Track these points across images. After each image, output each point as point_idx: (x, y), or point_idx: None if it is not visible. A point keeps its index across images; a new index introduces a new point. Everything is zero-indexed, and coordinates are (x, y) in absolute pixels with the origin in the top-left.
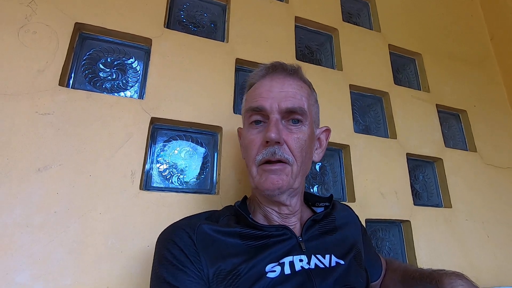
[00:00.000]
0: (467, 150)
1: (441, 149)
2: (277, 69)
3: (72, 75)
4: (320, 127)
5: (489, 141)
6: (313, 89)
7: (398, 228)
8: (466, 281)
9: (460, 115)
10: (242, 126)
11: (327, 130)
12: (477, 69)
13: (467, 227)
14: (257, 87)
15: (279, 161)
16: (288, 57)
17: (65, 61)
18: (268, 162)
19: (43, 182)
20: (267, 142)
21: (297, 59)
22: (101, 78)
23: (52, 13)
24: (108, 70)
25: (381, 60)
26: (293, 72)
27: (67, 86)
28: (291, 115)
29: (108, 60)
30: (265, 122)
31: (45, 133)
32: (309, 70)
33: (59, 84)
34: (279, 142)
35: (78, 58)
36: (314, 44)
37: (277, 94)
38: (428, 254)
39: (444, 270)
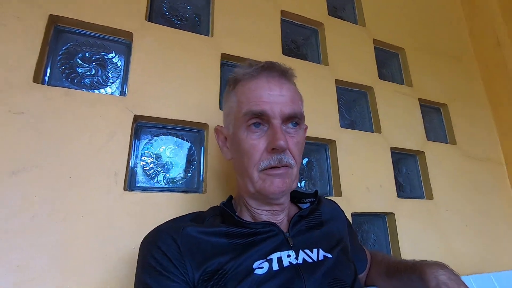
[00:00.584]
0: (447, 143)
1: (424, 142)
2: (273, 69)
3: (48, 71)
4: None
5: (468, 134)
6: None
7: (382, 221)
8: (447, 270)
9: (441, 108)
10: (222, 125)
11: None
12: (457, 64)
13: (447, 217)
14: (254, 88)
15: (283, 166)
16: (275, 52)
17: (39, 56)
18: (274, 167)
19: (19, 185)
20: (273, 149)
21: (283, 54)
22: (80, 74)
23: (23, 4)
24: (87, 65)
25: (366, 54)
26: (286, 74)
27: (43, 83)
28: (290, 120)
29: (87, 54)
30: (264, 125)
31: (19, 133)
32: (296, 65)
33: (34, 81)
34: (285, 149)
35: (54, 53)
36: (300, 39)
37: (277, 99)
38: (411, 245)
39: (426, 260)
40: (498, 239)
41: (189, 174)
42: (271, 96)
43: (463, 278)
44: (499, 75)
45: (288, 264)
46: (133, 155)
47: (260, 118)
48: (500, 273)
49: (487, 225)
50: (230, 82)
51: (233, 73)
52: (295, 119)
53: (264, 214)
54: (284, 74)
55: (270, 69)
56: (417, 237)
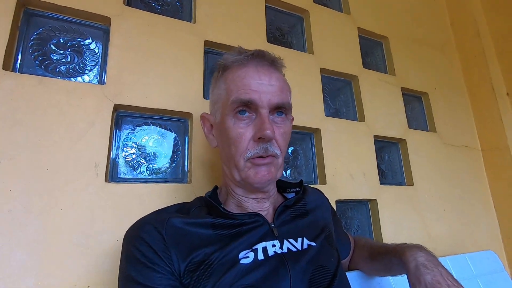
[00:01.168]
0: (427, 131)
1: (405, 130)
2: (262, 58)
3: (19, 57)
4: None
5: (447, 122)
6: None
7: (365, 207)
8: (426, 252)
9: (422, 97)
10: (208, 112)
11: (292, 120)
12: (438, 53)
13: (426, 202)
14: (243, 76)
15: (269, 156)
16: (259, 39)
17: (8, 41)
18: (260, 157)
19: None
20: (259, 138)
21: (268, 41)
22: (54, 61)
23: None
24: (62, 51)
25: (350, 43)
26: (275, 62)
27: (14, 70)
28: (278, 109)
29: (61, 40)
30: (251, 114)
31: None
32: (281, 53)
33: (3, 68)
34: (271, 139)
35: (25, 38)
36: (285, 26)
37: (266, 88)
38: (392, 229)
39: (406, 243)
40: (474, 222)
41: (173, 165)
42: (260, 85)
43: (440, 259)
44: (477, 65)
45: (273, 253)
46: (114, 145)
47: (248, 107)
48: (474, 254)
49: (464, 209)
50: (219, 68)
51: (222, 59)
52: (282, 109)
53: (250, 202)
54: (274, 64)
55: (260, 57)
56: (398, 222)
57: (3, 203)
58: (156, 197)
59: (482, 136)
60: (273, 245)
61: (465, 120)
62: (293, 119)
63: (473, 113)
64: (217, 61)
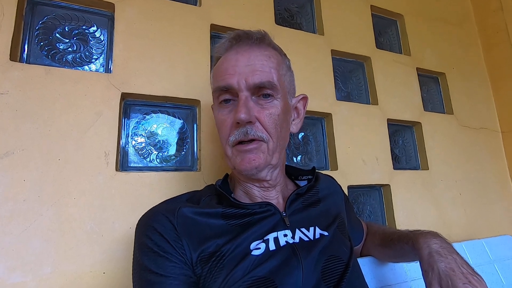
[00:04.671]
0: (444, 113)
1: (420, 113)
2: (242, 39)
3: (25, 48)
4: (296, 95)
5: (465, 103)
6: (285, 55)
7: (378, 192)
8: (440, 239)
9: (439, 78)
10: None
11: (304, 98)
12: (456, 30)
13: (442, 186)
14: (222, 62)
15: (253, 140)
16: (268, 21)
17: (14, 31)
18: (242, 142)
19: (6, 170)
20: (237, 122)
21: (276, 23)
22: (60, 50)
23: None
24: (67, 40)
25: (363, 23)
26: (259, 41)
27: (21, 61)
28: (261, 90)
29: (66, 29)
30: (234, 100)
31: (1, 115)
32: (290, 35)
33: (11, 59)
34: (250, 122)
35: (30, 27)
36: (294, 7)
37: (243, 69)
38: (405, 215)
39: (420, 230)
40: (491, 206)
41: (182, 153)
42: (237, 67)
43: (456, 245)
44: (499, 42)
45: (285, 243)
46: (123, 134)
47: (229, 93)
48: (490, 239)
49: (480, 193)
50: (214, 60)
51: (213, 49)
52: (264, 89)
53: (256, 189)
54: (255, 41)
55: (238, 39)
56: (412, 207)
57: (17, 193)
58: (166, 185)
59: (502, 117)
60: (285, 235)
61: (485, 101)
62: (304, 97)
63: (493, 94)
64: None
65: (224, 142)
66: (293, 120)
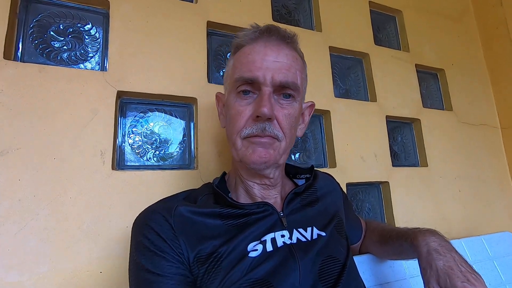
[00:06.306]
0: (443, 109)
1: (419, 109)
2: (272, 33)
3: (20, 46)
4: (305, 101)
5: (464, 99)
6: (305, 61)
7: (377, 190)
8: (438, 237)
9: (438, 74)
10: (222, 91)
11: (312, 106)
12: (456, 25)
13: (441, 183)
14: (248, 52)
15: (268, 136)
16: (265, 18)
17: (7, 30)
18: (257, 135)
19: (1, 169)
20: (257, 116)
21: (273, 20)
22: (55, 48)
23: None
24: (62, 38)
25: (361, 18)
26: (290, 41)
27: (15, 59)
28: (283, 90)
29: (61, 26)
30: (254, 93)
31: None
32: None
33: (5, 58)
34: (270, 118)
35: (24, 25)
36: (291, 3)
37: (271, 64)
38: (404, 212)
39: (419, 228)
40: (490, 202)
41: (180, 151)
42: (264, 62)
43: (455, 242)
44: (499, 38)
45: (282, 244)
46: (120, 133)
47: (250, 85)
48: (490, 236)
49: (480, 190)
50: (232, 47)
51: (235, 36)
52: (287, 89)
53: (256, 188)
54: (284, 39)
55: (269, 32)
56: (411, 204)
57: (13, 192)
58: (164, 184)
59: (502, 113)
60: (282, 235)
61: (484, 97)
62: (312, 105)
63: (493, 90)
64: (232, 40)
65: (235, 133)
66: (299, 124)
